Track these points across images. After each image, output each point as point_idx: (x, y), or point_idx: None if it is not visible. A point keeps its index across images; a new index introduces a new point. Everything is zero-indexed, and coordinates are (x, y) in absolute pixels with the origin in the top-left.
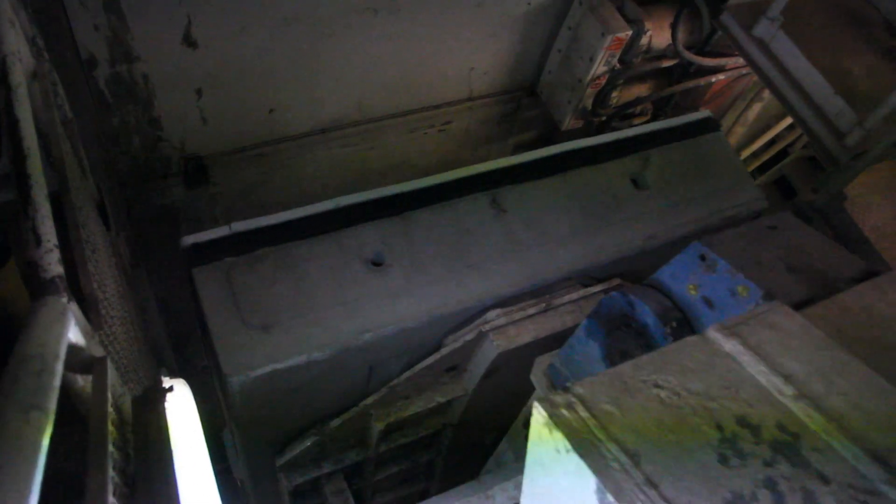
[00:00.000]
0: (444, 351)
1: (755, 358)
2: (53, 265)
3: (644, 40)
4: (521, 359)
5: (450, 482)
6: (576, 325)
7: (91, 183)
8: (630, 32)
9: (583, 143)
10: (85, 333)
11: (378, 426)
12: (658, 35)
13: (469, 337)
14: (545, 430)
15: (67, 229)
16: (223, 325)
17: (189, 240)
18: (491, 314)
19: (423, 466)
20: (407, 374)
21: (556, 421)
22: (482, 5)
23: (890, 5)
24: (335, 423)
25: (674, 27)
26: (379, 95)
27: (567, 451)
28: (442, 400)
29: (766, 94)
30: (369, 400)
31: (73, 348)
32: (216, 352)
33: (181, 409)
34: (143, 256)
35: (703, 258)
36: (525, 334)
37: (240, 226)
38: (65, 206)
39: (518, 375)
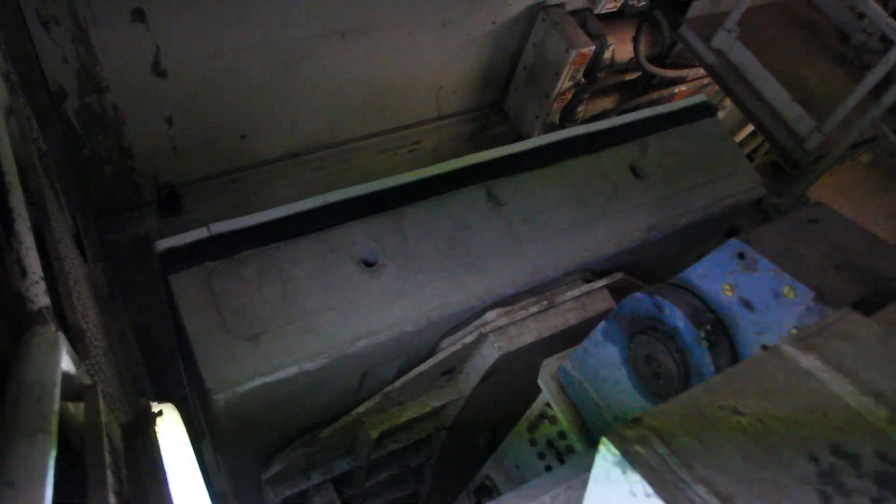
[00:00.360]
0: (441, 355)
1: (838, 375)
2: (40, 296)
3: (607, 54)
4: (521, 359)
5: (441, 483)
6: (579, 323)
7: (67, 214)
8: (593, 47)
9: (579, 130)
10: (74, 363)
11: (372, 434)
12: (621, 49)
13: (469, 339)
14: (616, 471)
15: (49, 261)
16: (205, 336)
17: (163, 244)
18: (490, 314)
19: (414, 469)
20: (402, 379)
21: (632, 460)
22: (448, 25)
23: (839, 13)
24: (325, 432)
25: (635, 41)
26: (349, 118)
27: (647, 495)
28: (437, 404)
29: (728, 102)
30: (362, 408)
31: (65, 376)
32: (198, 365)
33: (172, 432)
34: (118, 287)
35: (741, 256)
36: (527, 334)
37: (219, 227)
38: (46, 238)
39: (517, 375)
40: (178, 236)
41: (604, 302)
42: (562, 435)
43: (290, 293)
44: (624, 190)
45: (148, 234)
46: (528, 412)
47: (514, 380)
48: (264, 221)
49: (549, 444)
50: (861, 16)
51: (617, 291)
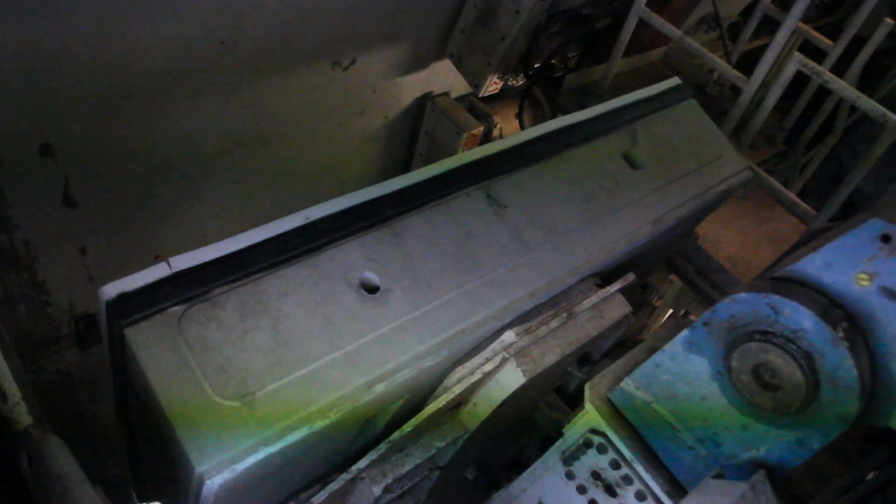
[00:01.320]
0: (457, 389)
1: None
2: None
3: (495, 132)
4: (536, 381)
5: None
6: (600, 335)
7: None
8: (482, 128)
9: (568, 120)
10: None
11: (374, 491)
12: (507, 125)
13: (489, 367)
14: None
15: None
16: (184, 403)
17: (111, 290)
18: (508, 334)
19: None
20: (412, 422)
21: None
22: (343, 126)
23: (693, 71)
24: (319, 497)
25: (519, 117)
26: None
27: None
28: (441, 444)
29: None
30: (363, 462)
31: None
32: (179, 443)
33: None
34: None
35: (885, 239)
36: (549, 353)
37: (182, 261)
38: None
39: (523, 400)
40: (130, 278)
41: (619, 308)
42: (615, 464)
43: (284, 336)
44: (623, 182)
45: (69, 368)
46: (559, 443)
47: (518, 406)
48: (237, 250)
49: (595, 476)
50: (711, 71)
51: (625, 293)
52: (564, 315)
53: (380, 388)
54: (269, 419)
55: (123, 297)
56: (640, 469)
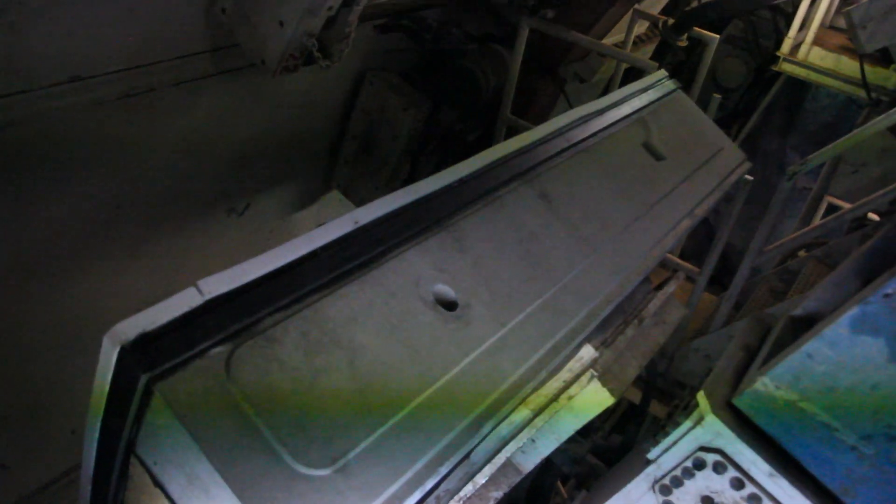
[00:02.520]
0: (539, 423)
1: None
2: None
3: None
4: None
5: None
6: (667, 340)
7: None
8: None
9: (585, 109)
10: None
11: None
12: None
13: (575, 390)
14: None
15: None
16: (259, 484)
17: (126, 330)
18: (586, 349)
19: None
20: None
21: None
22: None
23: None
24: None
25: None
26: None
27: None
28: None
29: None
30: None
31: None
32: None
33: None
34: None
35: None
36: (629, 367)
37: (214, 285)
38: None
39: None
40: (150, 311)
41: (677, 310)
42: (738, 484)
43: (364, 373)
44: (654, 174)
45: None
46: (650, 470)
47: None
48: (282, 265)
49: (707, 502)
50: None
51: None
52: (636, 322)
53: (487, 428)
54: (371, 487)
55: (145, 340)
56: (778, 484)
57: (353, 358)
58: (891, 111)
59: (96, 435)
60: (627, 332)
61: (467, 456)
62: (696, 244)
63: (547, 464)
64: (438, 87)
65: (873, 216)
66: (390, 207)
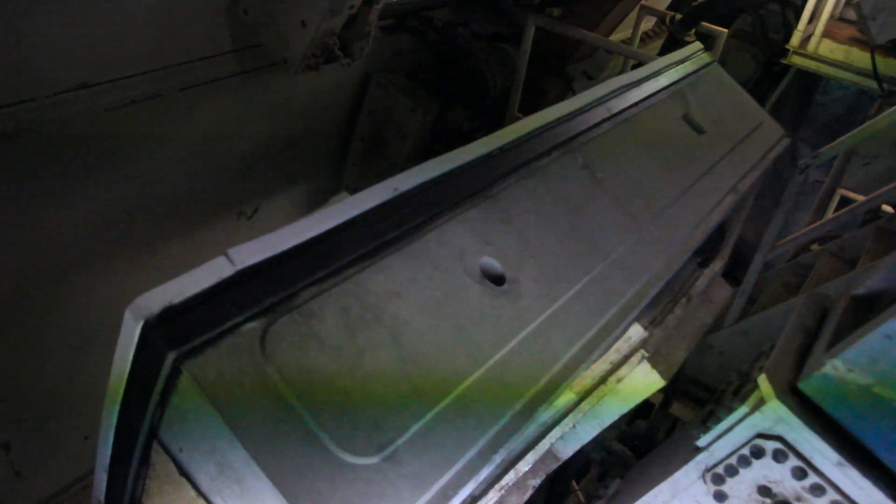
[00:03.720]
0: (585, 407)
1: None
2: None
3: None
4: None
5: None
6: (716, 322)
7: None
8: None
9: (625, 79)
10: None
11: None
12: None
13: (624, 372)
14: None
15: None
16: (302, 474)
17: (149, 303)
18: (635, 329)
19: None
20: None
21: None
22: None
23: None
24: None
25: None
26: None
27: None
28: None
29: None
30: None
31: None
32: None
33: None
34: None
35: None
36: (678, 348)
37: (246, 255)
38: None
39: None
40: (175, 282)
41: (723, 289)
42: (800, 473)
43: (409, 352)
44: (695, 148)
45: None
46: (701, 458)
47: None
48: (318, 234)
49: (764, 492)
50: None
51: None
52: (684, 300)
53: (540, 413)
54: (423, 477)
55: (171, 313)
56: (847, 474)
57: (397, 336)
58: None
59: (114, 420)
60: (676, 312)
61: (524, 443)
62: (707, 238)
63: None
64: (446, 87)
65: (888, 208)
66: (430, 175)
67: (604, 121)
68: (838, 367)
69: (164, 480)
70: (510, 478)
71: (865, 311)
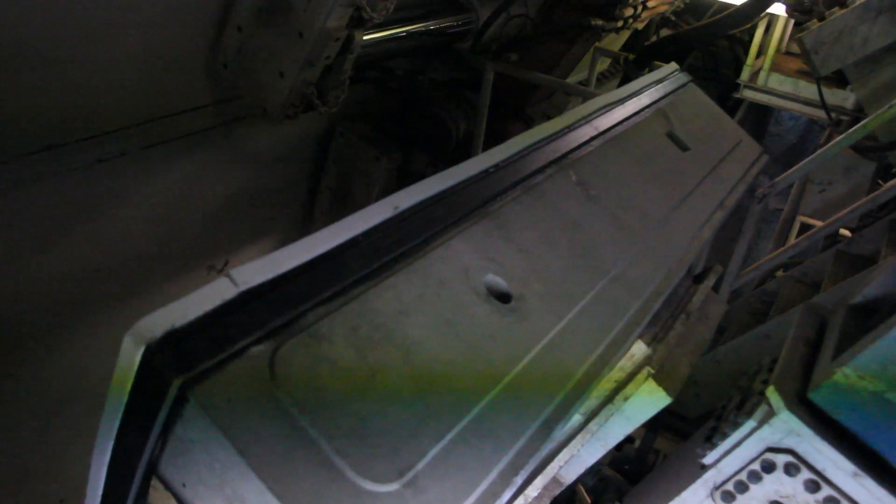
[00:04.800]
0: (594, 427)
1: None
2: None
3: None
4: None
5: None
6: (715, 336)
7: None
8: None
9: (606, 99)
10: None
11: None
12: None
13: (631, 390)
14: None
15: None
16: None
17: (151, 326)
18: (639, 346)
19: None
20: (539, 479)
21: None
22: None
23: None
24: None
25: None
26: None
27: None
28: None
29: None
30: None
31: None
32: None
33: None
34: None
35: None
36: (681, 364)
37: (248, 274)
38: None
39: None
40: (177, 304)
41: (717, 304)
42: (813, 486)
43: (421, 373)
44: (681, 164)
45: None
46: (709, 475)
47: None
48: (321, 253)
49: None
50: None
51: None
52: (684, 316)
53: (557, 432)
54: (446, 502)
55: (174, 337)
56: (863, 484)
57: (409, 355)
58: (850, 130)
59: (107, 458)
60: (676, 328)
61: (541, 460)
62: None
63: None
64: (409, 134)
65: (845, 232)
66: (429, 192)
67: (592, 139)
68: (849, 375)
69: None
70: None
71: (864, 318)
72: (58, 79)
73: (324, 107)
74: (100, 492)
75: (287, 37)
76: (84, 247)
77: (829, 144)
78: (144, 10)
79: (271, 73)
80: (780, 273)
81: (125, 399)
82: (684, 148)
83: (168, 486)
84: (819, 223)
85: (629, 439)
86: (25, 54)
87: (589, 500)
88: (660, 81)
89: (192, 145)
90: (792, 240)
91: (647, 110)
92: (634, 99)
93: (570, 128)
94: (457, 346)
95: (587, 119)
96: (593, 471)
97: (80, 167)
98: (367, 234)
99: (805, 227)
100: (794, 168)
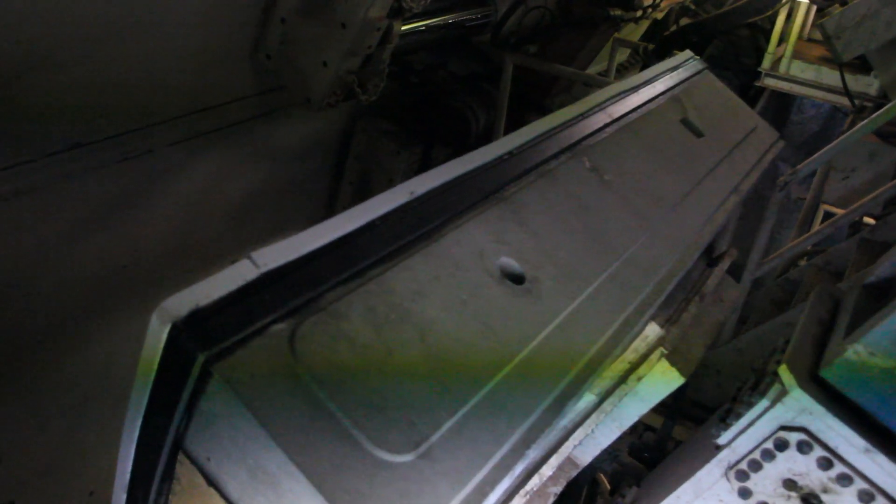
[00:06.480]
0: (608, 407)
1: None
2: None
3: None
4: None
5: None
6: (737, 325)
7: None
8: None
9: (622, 86)
10: None
11: None
12: None
13: (644, 371)
14: None
15: None
16: (338, 474)
17: (177, 305)
18: (652, 327)
19: None
20: (555, 458)
21: None
22: None
23: None
24: None
25: None
26: None
27: None
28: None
29: None
30: None
31: None
32: None
33: None
34: None
35: None
36: (695, 346)
37: (269, 257)
38: None
39: None
40: (201, 285)
41: (733, 288)
42: (825, 464)
43: (438, 350)
44: (696, 150)
45: None
46: (723, 455)
47: None
48: (339, 237)
49: (789, 485)
50: None
51: None
52: (697, 299)
53: (568, 409)
54: (460, 472)
55: (199, 316)
56: (875, 460)
57: (424, 334)
58: (873, 115)
59: (136, 434)
60: (690, 310)
61: (548, 447)
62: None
63: None
64: (429, 128)
65: (869, 219)
66: (445, 178)
67: (606, 125)
68: (860, 352)
69: (189, 494)
70: (534, 483)
71: (879, 297)
72: (93, 76)
73: (364, 95)
74: (129, 468)
75: (330, 27)
76: (110, 243)
77: (852, 131)
78: (191, 5)
79: (314, 63)
80: (802, 262)
81: (153, 376)
82: (699, 134)
83: (193, 461)
84: (842, 211)
85: (649, 428)
86: (56, 56)
87: (608, 486)
88: (674, 69)
89: (216, 141)
90: (815, 228)
91: (661, 97)
92: (649, 86)
93: (584, 115)
94: (471, 325)
95: (601, 106)
96: (613, 457)
97: (106, 164)
98: (384, 218)
99: (828, 216)
100: (817, 155)
